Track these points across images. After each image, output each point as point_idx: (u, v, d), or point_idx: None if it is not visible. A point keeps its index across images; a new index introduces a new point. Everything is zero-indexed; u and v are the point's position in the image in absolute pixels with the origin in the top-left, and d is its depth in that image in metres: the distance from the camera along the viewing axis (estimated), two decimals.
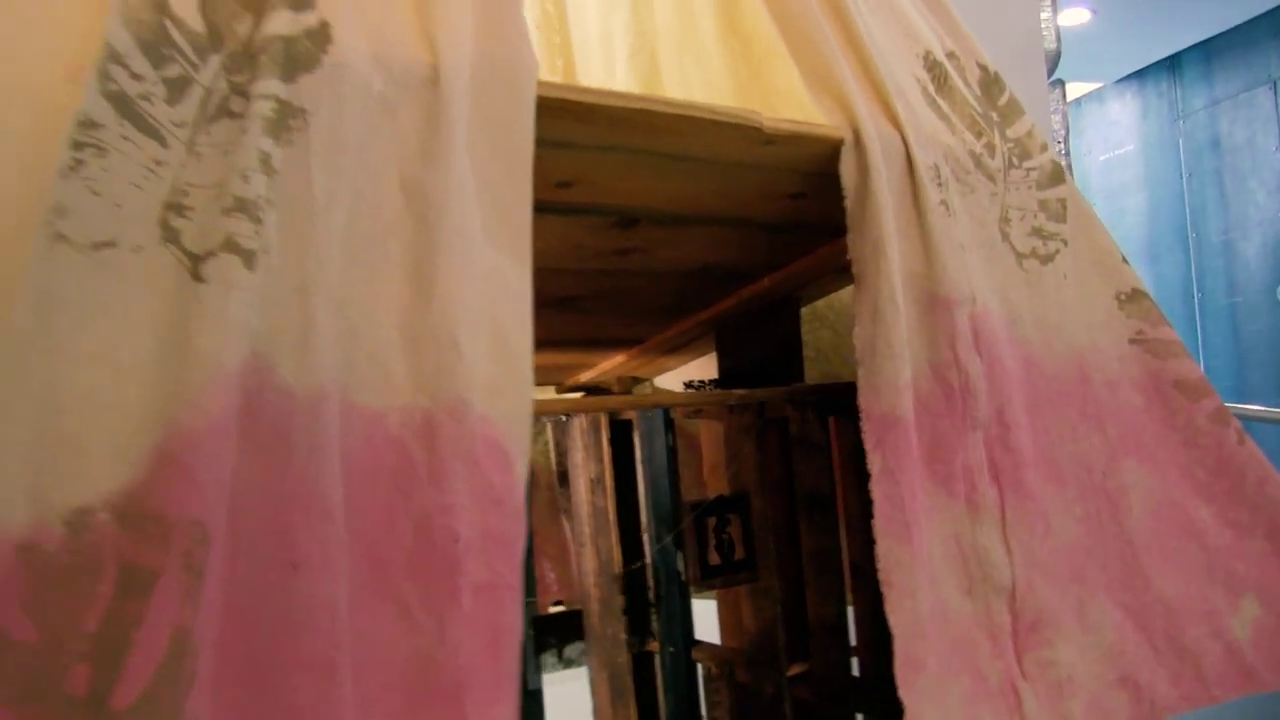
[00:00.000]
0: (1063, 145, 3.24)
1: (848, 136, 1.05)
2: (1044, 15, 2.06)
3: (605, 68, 1.55)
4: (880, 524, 1.01)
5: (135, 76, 0.74)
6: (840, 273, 1.37)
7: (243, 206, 0.72)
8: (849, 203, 1.05)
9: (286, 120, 0.76)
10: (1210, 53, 5.18)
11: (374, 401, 0.78)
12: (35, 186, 0.82)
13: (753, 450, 1.35)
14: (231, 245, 0.71)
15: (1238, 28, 4.88)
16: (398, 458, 0.79)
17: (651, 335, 1.50)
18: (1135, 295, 1.19)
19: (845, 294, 1.43)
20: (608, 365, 1.58)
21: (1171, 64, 5.44)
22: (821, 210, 1.16)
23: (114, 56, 0.74)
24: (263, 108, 0.75)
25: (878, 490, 1.02)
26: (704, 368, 1.58)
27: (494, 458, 0.81)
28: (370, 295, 0.80)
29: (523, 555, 0.82)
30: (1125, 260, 1.20)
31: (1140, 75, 5.65)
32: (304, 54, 0.78)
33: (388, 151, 0.83)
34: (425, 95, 0.85)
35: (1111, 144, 6.02)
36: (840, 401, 1.26)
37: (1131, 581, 1.09)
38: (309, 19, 0.80)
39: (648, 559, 1.51)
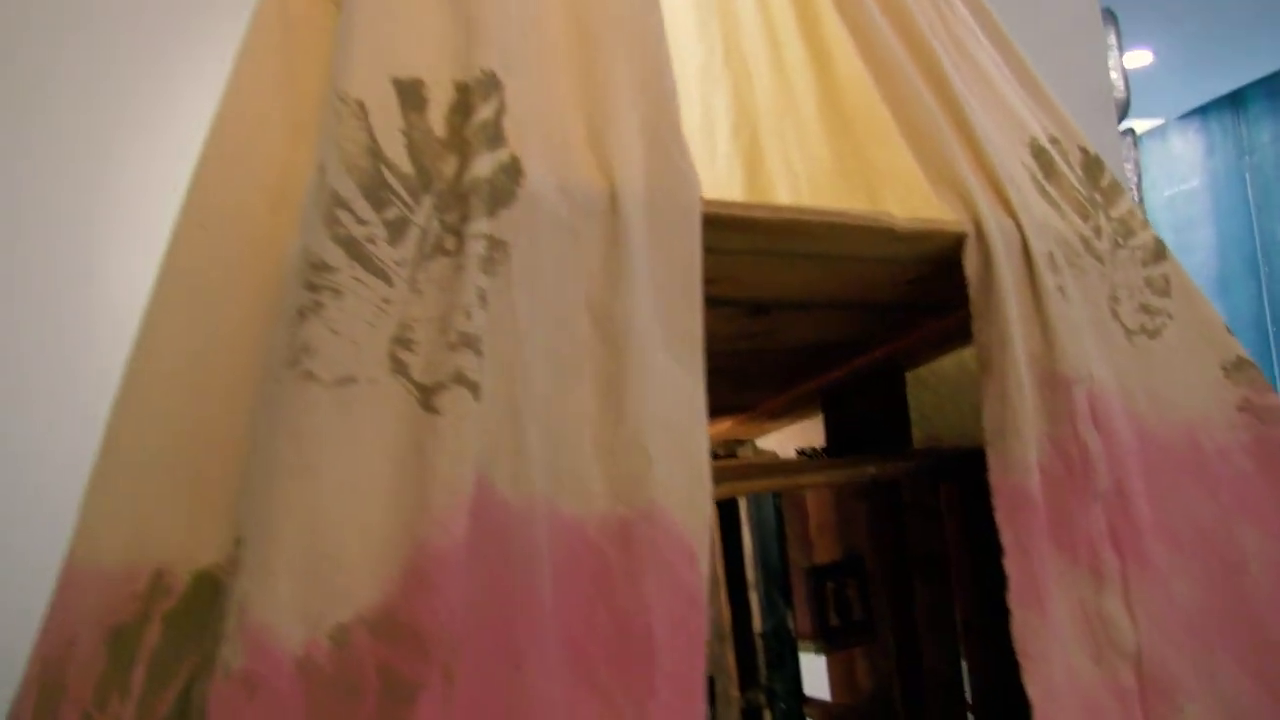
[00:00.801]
0: (1136, 191, 3.28)
1: (970, 230, 1.11)
2: (1111, 63, 2.11)
3: (707, 146, 1.62)
4: (1015, 596, 1.07)
5: (360, 220, 0.81)
6: (944, 344, 1.44)
7: (467, 341, 0.79)
8: (972, 292, 1.11)
9: (492, 254, 0.83)
10: (1273, 89, 5.17)
11: (576, 509, 0.85)
12: (249, 311, 0.90)
13: (865, 513, 1.41)
14: (460, 378, 0.78)
15: None
16: (597, 561, 0.86)
17: (761, 403, 1.57)
18: (1241, 364, 1.25)
19: (947, 360, 1.49)
20: (713, 430, 1.65)
21: (1234, 99, 5.44)
22: (933, 290, 1.23)
23: (340, 202, 0.81)
24: (476, 246, 0.82)
25: (1011, 564, 1.07)
26: (806, 430, 1.65)
27: (682, 556, 0.87)
28: (568, 411, 0.87)
29: (705, 644, 0.89)
30: (1229, 330, 1.26)
31: (1203, 111, 5.65)
32: (502, 190, 0.86)
33: (576, 275, 0.90)
34: (605, 220, 0.92)
35: (1176, 179, 6.05)
36: (953, 468, 1.32)
37: (1256, 645, 1.14)
38: (502, 155, 0.87)
39: (756, 617, 1.57)
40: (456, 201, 0.84)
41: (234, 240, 0.93)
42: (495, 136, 0.86)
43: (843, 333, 1.35)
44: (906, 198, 1.42)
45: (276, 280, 0.91)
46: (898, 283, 1.22)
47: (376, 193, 0.83)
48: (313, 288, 0.79)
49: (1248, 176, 5.45)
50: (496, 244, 0.84)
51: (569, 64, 0.98)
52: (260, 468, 0.75)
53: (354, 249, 0.81)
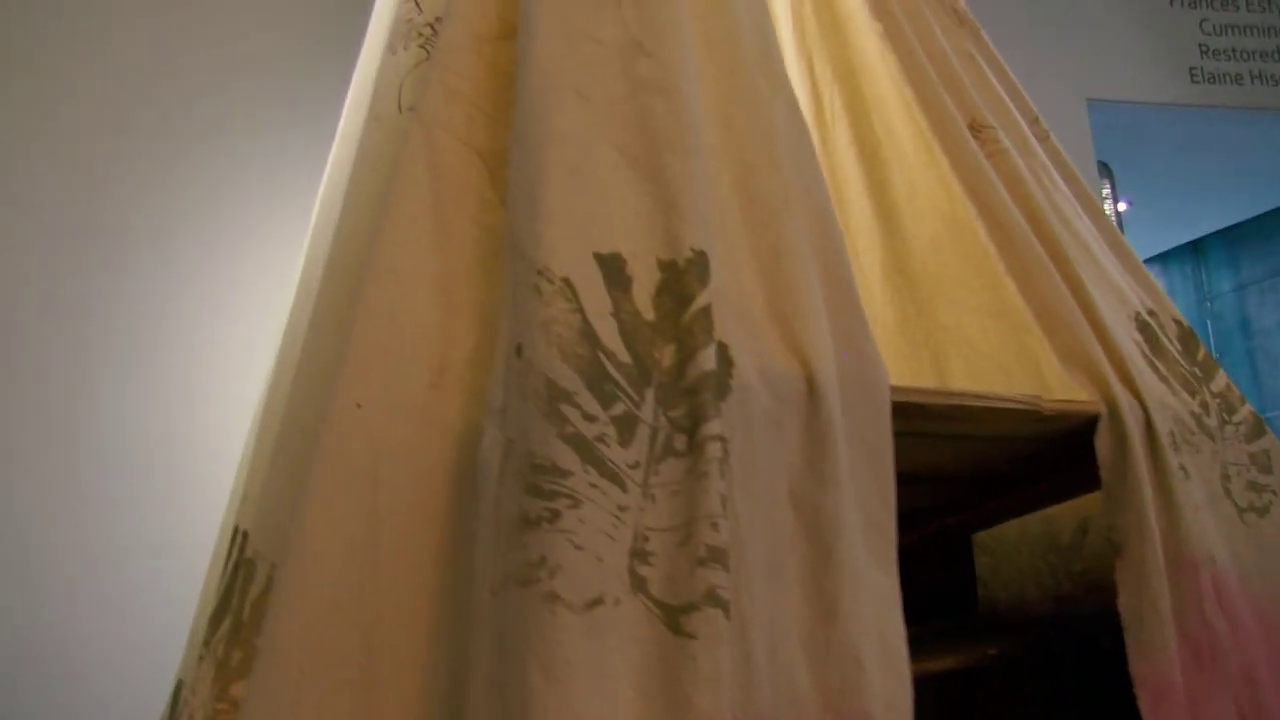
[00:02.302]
0: None
1: (1104, 411, 1.10)
2: (1108, 212, 2.19)
3: None
4: None
5: (588, 417, 0.74)
6: (1021, 511, 1.42)
7: (716, 555, 0.72)
8: (1105, 474, 1.09)
9: (725, 455, 0.77)
10: (1234, 239, 5.35)
11: (784, 716, 0.78)
12: (419, 497, 0.80)
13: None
14: (713, 597, 0.71)
15: (1259, 217, 5.05)
16: None
17: None
18: None
19: (1008, 523, 1.47)
20: None
21: (1195, 248, 5.58)
22: (1032, 463, 1.21)
23: (564, 395, 0.74)
24: (714, 450, 0.75)
25: None
26: None
27: None
28: (779, 615, 0.80)
29: None
30: None
31: (1164, 258, 5.76)
32: (719, 382, 0.79)
33: (779, 467, 0.84)
34: (804, 408, 0.86)
35: None
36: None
37: None
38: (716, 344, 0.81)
39: None
40: (681, 397, 0.77)
41: (394, 419, 0.84)
42: (711, 325, 0.80)
43: (933, 501, 1.32)
44: (971, 357, 1.40)
45: (447, 463, 0.82)
46: (1011, 457, 1.19)
47: (600, 385, 0.76)
48: (543, 493, 0.71)
49: (1209, 324, 5.65)
50: (723, 443, 0.77)
51: (747, 238, 0.93)
52: (511, 701, 0.66)
53: (586, 450, 0.73)
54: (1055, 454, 1.19)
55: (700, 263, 0.82)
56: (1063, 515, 1.42)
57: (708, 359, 0.78)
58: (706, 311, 0.80)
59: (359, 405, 0.83)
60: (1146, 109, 2.59)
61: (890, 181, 1.45)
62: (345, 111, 1.23)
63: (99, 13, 1.89)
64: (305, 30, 1.99)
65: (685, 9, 0.98)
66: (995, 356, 1.35)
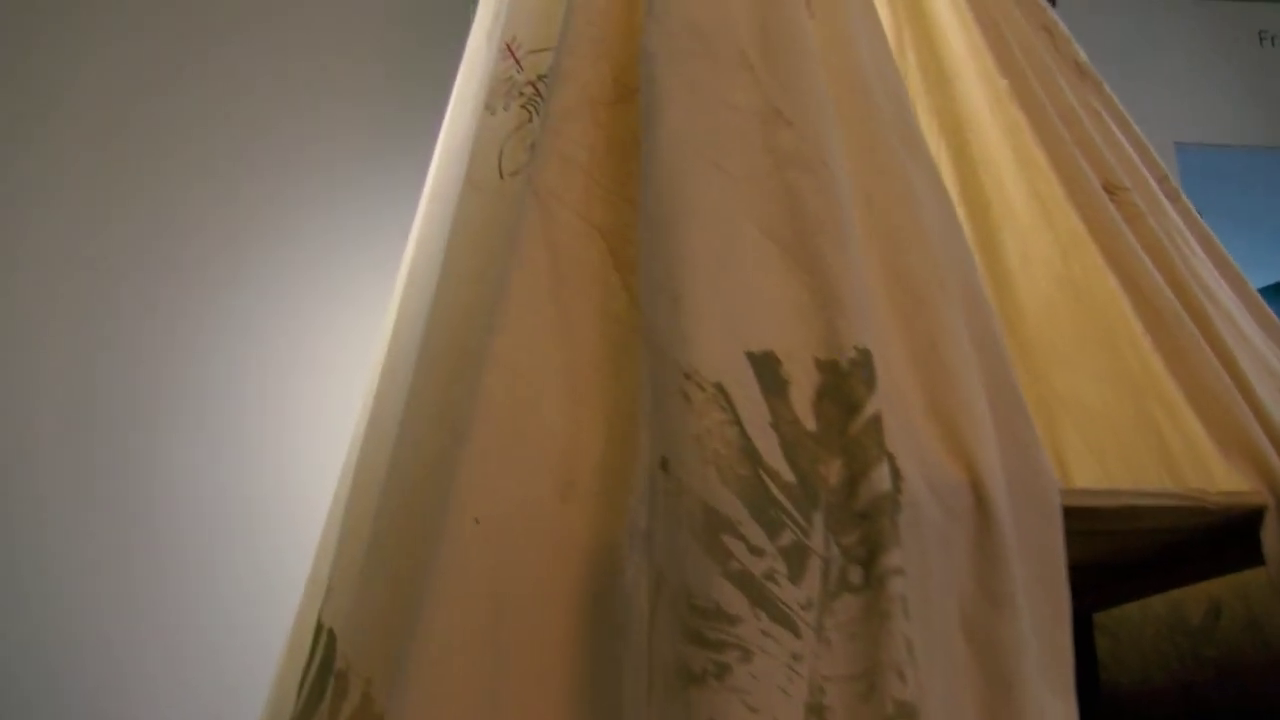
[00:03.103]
0: None
1: (1270, 502, 1.00)
2: None
3: None
4: None
5: (755, 550, 0.65)
6: (1148, 593, 1.32)
7: (905, 713, 0.62)
8: (1272, 570, 1.00)
9: (906, 591, 0.67)
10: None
11: None
12: (556, 635, 0.72)
13: None
14: None
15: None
16: None
17: None
18: None
19: (1131, 604, 1.37)
20: None
21: None
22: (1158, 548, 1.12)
23: (725, 524, 0.65)
24: (895, 586, 0.66)
25: None
26: None
27: None
28: None
29: None
30: None
31: None
32: (890, 500, 0.70)
33: (950, 593, 0.74)
34: (973, 521, 0.77)
35: None
36: None
37: None
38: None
39: None
40: (853, 521, 0.68)
41: (519, 536, 0.75)
42: (882, 437, 0.71)
43: None
44: (1086, 425, 1.32)
45: (579, 588, 0.73)
46: (1157, 547, 1.09)
47: (765, 511, 0.67)
48: (708, 643, 0.62)
49: None
50: (905, 577, 0.68)
51: (899, 326, 0.84)
52: None
53: (755, 591, 0.64)
54: (1196, 539, 1.09)
55: (865, 363, 0.73)
56: (1190, 596, 1.32)
57: (881, 478, 0.69)
58: (876, 421, 0.71)
59: (478, 521, 0.75)
60: (1236, 152, 2.50)
61: (1001, 242, 1.36)
62: (434, 170, 1.15)
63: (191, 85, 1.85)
64: (390, 80, 1.93)
65: (821, 72, 0.89)
66: (1113, 424, 1.27)
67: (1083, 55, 1.24)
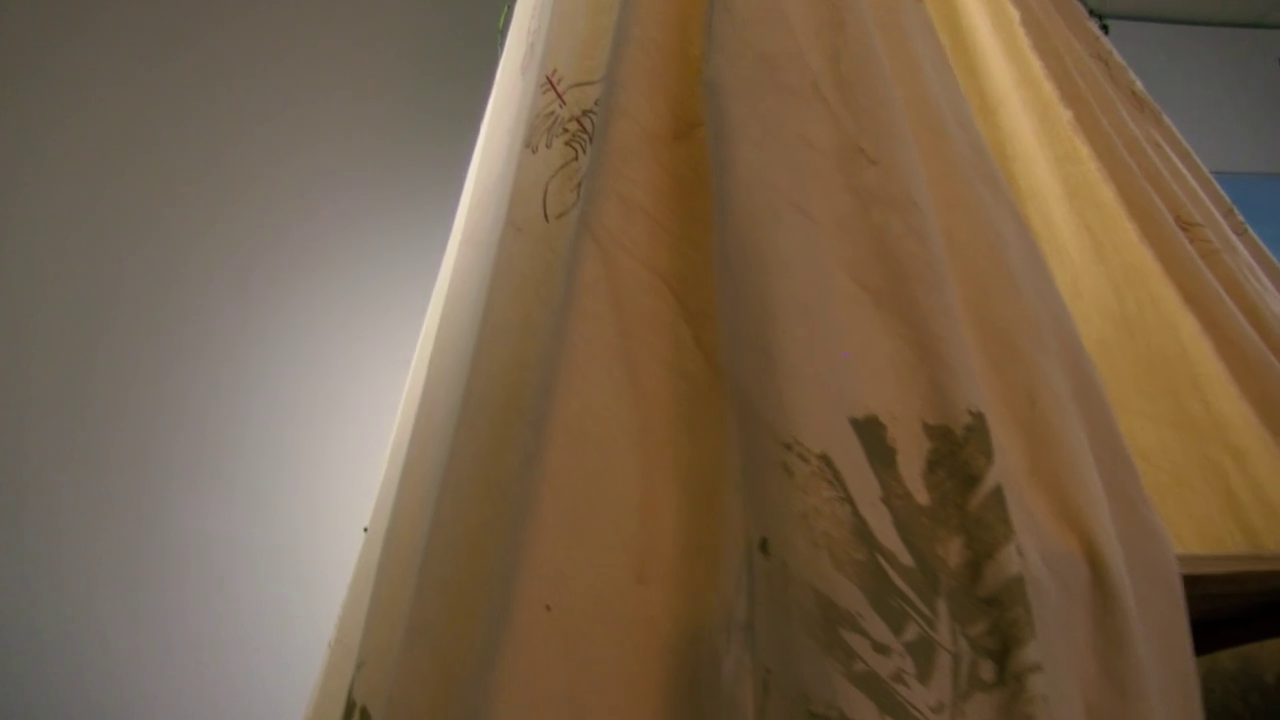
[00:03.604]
0: None
1: None
2: None
3: None
4: None
5: (880, 648, 0.57)
6: (1208, 649, 1.25)
7: None
8: None
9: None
10: None
11: None
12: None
13: None
14: None
15: None
16: None
17: None
18: None
19: (1225, 654, 1.30)
20: None
21: None
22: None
23: (844, 618, 0.57)
24: (1036, 685, 0.58)
25: None
26: None
27: None
28: None
29: None
30: None
31: None
32: (1020, 585, 0.63)
33: (1071, 675, 0.67)
34: (1090, 597, 0.70)
35: None
36: None
37: None
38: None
39: None
40: (980, 609, 0.61)
41: (593, 624, 0.67)
42: (1007, 513, 0.63)
43: None
44: (1144, 470, 1.25)
45: (660, 681, 0.65)
46: (1237, 602, 1.03)
47: (886, 600, 0.59)
48: None
49: None
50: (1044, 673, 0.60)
51: (993, 378, 0.76)
52: None
53: (884, 695, 0.56)
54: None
55: (980, 429, 0.65)
56: (1262, 653, 1.25)
57: (1009, 559, 0.61)
58: (998, 495, 0.63)
59: (549, 608, 0.67)
60: (1268, 179, 2.46)
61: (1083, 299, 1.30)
62: (466, 210, 1.08)
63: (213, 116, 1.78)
64: (411, 115, 1.86)
65: (900, 102, 0.82)
66: (1174, 470, 1.20)
67: (1139, 84, 1.19)
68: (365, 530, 1.17)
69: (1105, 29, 1.21)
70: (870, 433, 0.65)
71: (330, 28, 1.88)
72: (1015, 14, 1.08)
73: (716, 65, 0.80)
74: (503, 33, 1.17)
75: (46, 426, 1.60)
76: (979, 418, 0.66)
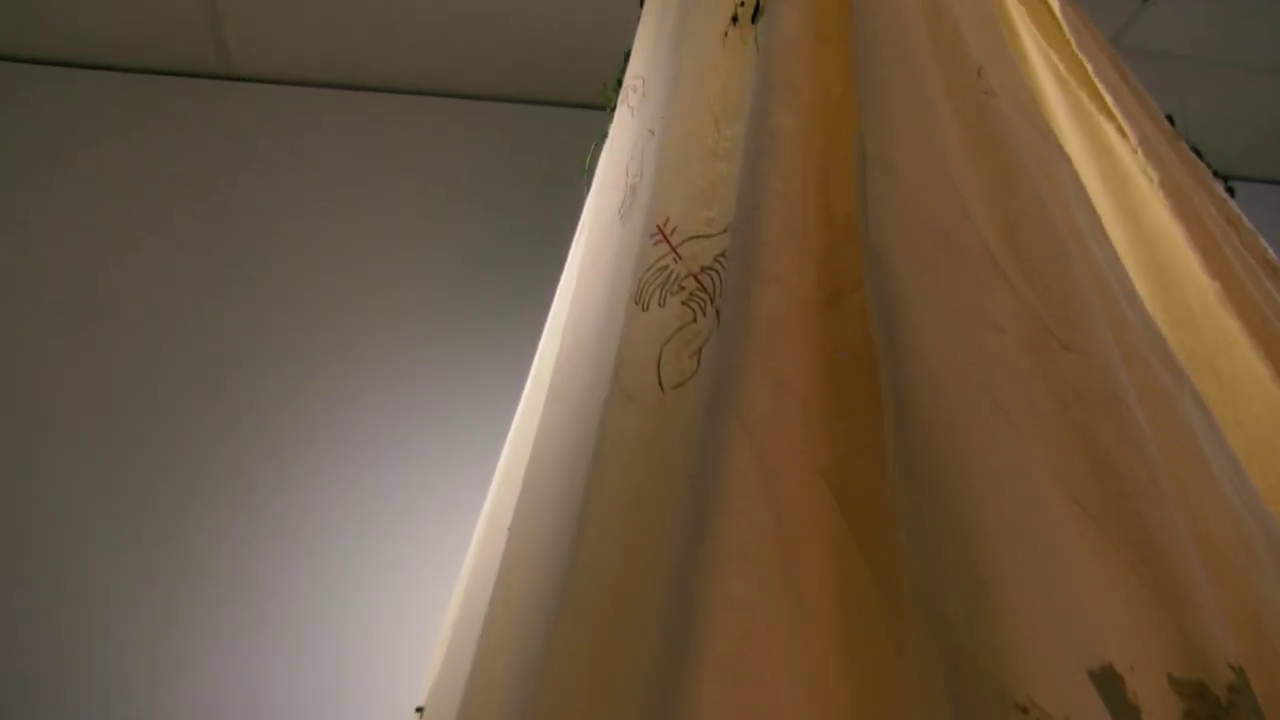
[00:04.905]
0: None
1: None
2: None
3: None
4: None
5: None
6: None
7: None
8: None
9: None
10: None
11: None
12: None
13: None
14: None
15: None
16: None
17: None
18: None
19: None
20: None
21: None
22: None
23: None
24: None
25: None
26: None
27: None
28: None
29: None
30: None
31: None
32: None
33: None
34: None
35: None
36: None
37: None
38: None
39: None
40: None
41: None
42: None
43: None
44: None
45: None
46: None
47: None
48: None
49: None
50: None
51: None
52: None
53: None
54: None
55: (1244, 690, 0.54)
56: None
57: None
58: None
59: None
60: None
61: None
62: (553, 363, 0.97)
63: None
64: (474, 267, 1.77)
65: (1086, 276, 0.73)
66: None
67: (1271, 252, 1.10)
68: (419, 712, 1.04)
69: (1231, 191, 1.13)
70: (1110, 689, 0.54)
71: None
72: (1155, 175, 1.00)
73: (881, 229, 0.71)
74: (589, 173, 1.08)
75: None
76: (1241, 675, 0.55)
